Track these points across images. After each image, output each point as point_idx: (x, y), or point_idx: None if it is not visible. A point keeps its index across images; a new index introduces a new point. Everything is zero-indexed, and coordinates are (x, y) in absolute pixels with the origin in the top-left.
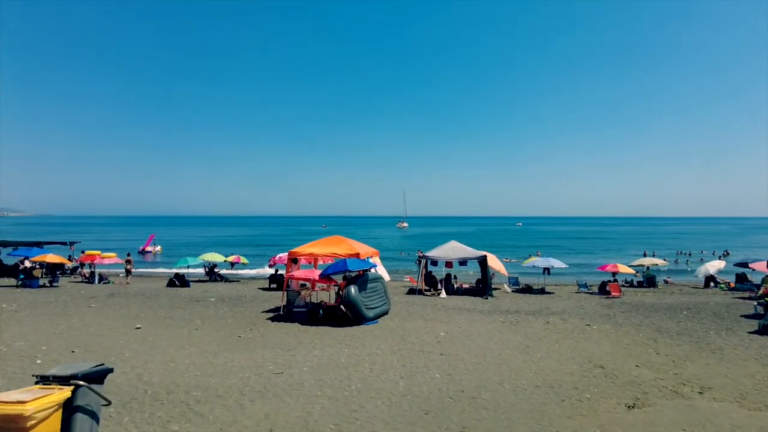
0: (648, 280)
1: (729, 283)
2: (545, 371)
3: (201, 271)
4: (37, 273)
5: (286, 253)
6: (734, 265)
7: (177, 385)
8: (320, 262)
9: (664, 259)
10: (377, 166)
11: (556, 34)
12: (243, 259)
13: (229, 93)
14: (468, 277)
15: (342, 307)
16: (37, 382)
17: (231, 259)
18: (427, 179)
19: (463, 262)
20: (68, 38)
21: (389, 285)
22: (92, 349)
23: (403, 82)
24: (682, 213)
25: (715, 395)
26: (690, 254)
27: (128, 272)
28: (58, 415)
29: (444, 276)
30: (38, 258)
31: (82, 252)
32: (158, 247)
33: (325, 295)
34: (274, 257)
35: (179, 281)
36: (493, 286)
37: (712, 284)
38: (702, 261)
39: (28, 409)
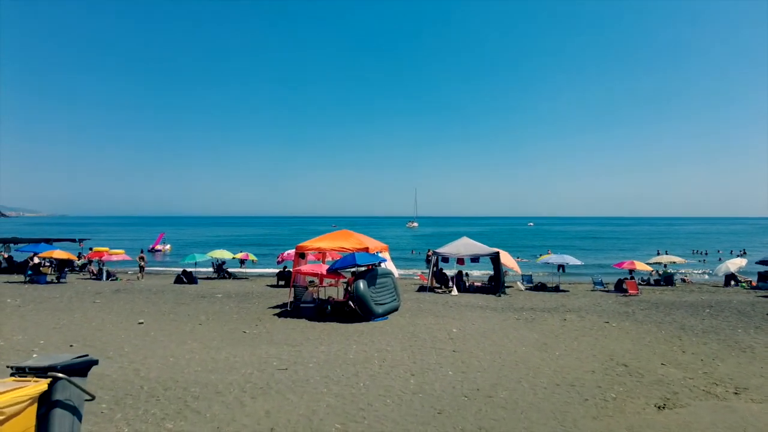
0: (665, 278)
1: (750, 281)
2: (565, 369)
3: (210, 269)
4: (45, 269)
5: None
6: (756, 263)
7: (175, 381)
8: (328, 258)
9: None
10: (387, 166)
11: (561, 34)
12: (252, 256)
13: (238, 94)
14: (480, 275)
15: (351, 302)
16: (12, 374)
17: (240, 256)
18: (437, 180)
19: (475, 259)
20: (84, 42)
21: (398, 282)
22: (91, 344)
23: (413, 83)
24: (696, 213)
25: (753, 396)
26: (707, 253)
27: (141, 268)
28: (33, 410)
29: (455, 273)
30: (45, 254)
31: (90, 249)
32: (168, 246)
33: (334, 291)
34: (282, 254)
35: (187, 278)
36: (506, 284)
37: (732, 282)
38: (720, 260)
39: None
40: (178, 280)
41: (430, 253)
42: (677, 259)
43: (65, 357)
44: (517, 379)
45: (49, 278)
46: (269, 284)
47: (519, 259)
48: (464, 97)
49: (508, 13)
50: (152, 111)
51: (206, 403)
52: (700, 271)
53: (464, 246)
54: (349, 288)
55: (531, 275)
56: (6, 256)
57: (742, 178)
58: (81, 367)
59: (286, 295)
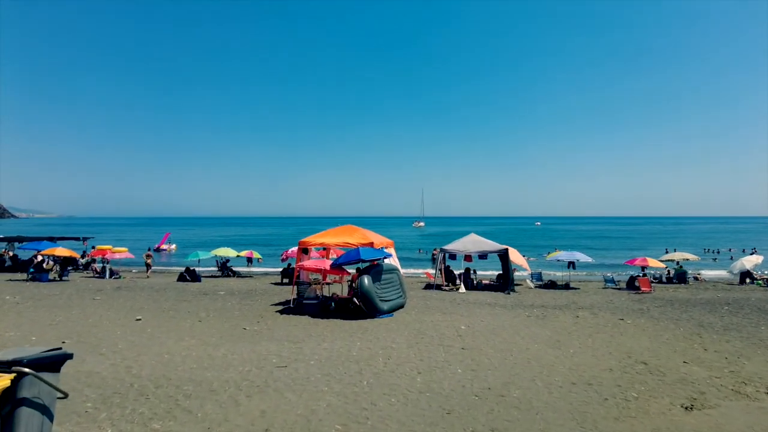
0: (678, 275)
1: (767, 279)
2: (580, 367)
3: (215, 267)
4: (48, 267)
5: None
6: None
7: (168, 379)
8: (332, 255)
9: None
10: (394, 167)
11: (567, 35)
12: (256, 254)
13: (240, 95)
14: (488, 275)
15: (355, 299)
16: None
17: (244, 254)
18: (444, 180)
19: (483, 256)
20: (94, 44)
21: (404, 279)
22: (85, 340)
23: (419, 84)
24: (703, 213)
25: None
26: (718, 252)
27: (148, 266)
28: None
29: (463, 271)
30: (47, 251)
31: (93, 247)
32: (173, 246)
33: (338, 289)
34: (287, 251)
35: (190, 276)
36: (515, 282)
37: (747, 280)
38: (732, 259)
39: None
40: (181, 278)
41: (435, 252)
42: (690, 256)
43: (34, 350)
44: (531, 378)
45: (51, 276)
46: (273, 282)
47: (527, 258)
48: (470, 98)
49: (514, 14)
50: (157, 113)
51: (198, 402)
52: (713, 272)
53: (472, 243)
54: (353, 284)
55: (540, 273)
56: (11, 254)
57: (746, 177)
58: (51, 362)
59: (289, 293)
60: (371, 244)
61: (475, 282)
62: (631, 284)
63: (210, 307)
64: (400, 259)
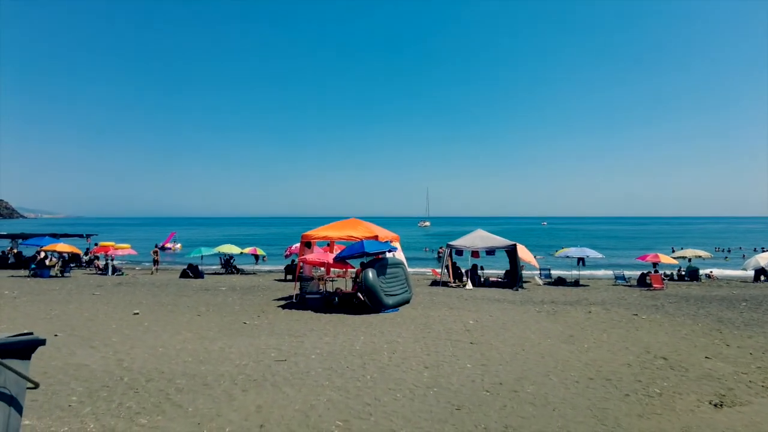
0: (690, 273)
1: None
2: (597, 362)
3: (219, 265)
4: (52, 263)
5: None
6: None
7: (160, 372)
8: (336, 251)
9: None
10: (398, 167)
11: (574, 35)
12: (260, 251)
13: (244, 96)
14: (496, 273)
15: (359, 294)
16: None
17: (248, 250)
18: (448, 180)
19: (491, 252)
20: (101, 46)
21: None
22: (78, 333)
23: (425, 84)
24: (710, 213)
25: None
26: (729, 250)
27: (155, 262)
28: None
29: (470, 267)
30: (49, 247)
31: (96, 244)
32: (178, 245)
33: (342, 284)
34: (291, 247)
35: (192, 272)
36: (523, 279)
37: (762, 278)
38: (744, 257)
39: None
40: (184, 274)
41: (441, 251)
42: (703, 254)
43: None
44: (545, 373)
45: (53, 273)
46: (277, 279)
47: (535, 256)
48: (476, 98)
49: (520, 14)
50: (163, 114)
51: (190, 396)
52: (726, 271)
53: (480, 238)
54: (357, 279)
55: (549, 269)
56: (15, 251)
57: (748, 177)
58: (20, 348)
59: (292, 288)
60: (376, 238)
61: (482, 279)
62: (642, 281)
63: (210, 302)
64: (405, 258)
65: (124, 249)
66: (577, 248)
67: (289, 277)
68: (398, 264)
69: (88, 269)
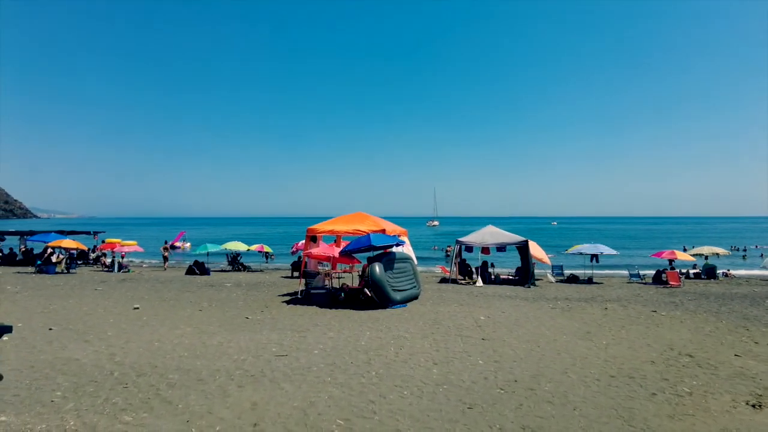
0: (707, 270)
1: None
2: (618, 359)
3: (226, 263)
4: (58, 259)
5: None
6: None
7: (153, 367)
8: (343, 245)
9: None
10: (406, 168)
11: (581, 36)
12: (267, 248)
13: (246, 97)
14: (505, 270)
15: (366, 290)
16: None
17: (254, 248)
18: (456, 181)
19: (501, 248)
20: (109, 47)
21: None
22: (73, 327)
23: (430, 85)
24: (718, 213)
25: None
26: (746, 249)
27: (165, 259)
28: None
29: (480, 263)
30: (54, 243)
31: (103, 241)
32: (187, 244)
33: (348, 280)
34: (297, 244)
35: (198, 269)
36: (535, 276)
37: None
38: (762, 256)
39: None
40: (190, 271)
41: (449, 249)
42: (720, 251)
43: None
44: (562, 370)
45: (58, 269)
46: (284, 275)
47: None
48: (484, 99)
49: (526, 15)
50: (171, 114)
51: (182, 392)
52: (744, 271)
53: (490, 234)
54: (364, 274)
55: (562, 266)
56: (23, 248)
57: (749, 177)
58: None
59: (298, 285)
60: (383, 231)
61: (492, 276)
62: (658, 278)
63: (213, 298)
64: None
65: (131, 246)
66: (591, 245)
67: (296, 273)
68: (406, 258)
69: (95, 266)
